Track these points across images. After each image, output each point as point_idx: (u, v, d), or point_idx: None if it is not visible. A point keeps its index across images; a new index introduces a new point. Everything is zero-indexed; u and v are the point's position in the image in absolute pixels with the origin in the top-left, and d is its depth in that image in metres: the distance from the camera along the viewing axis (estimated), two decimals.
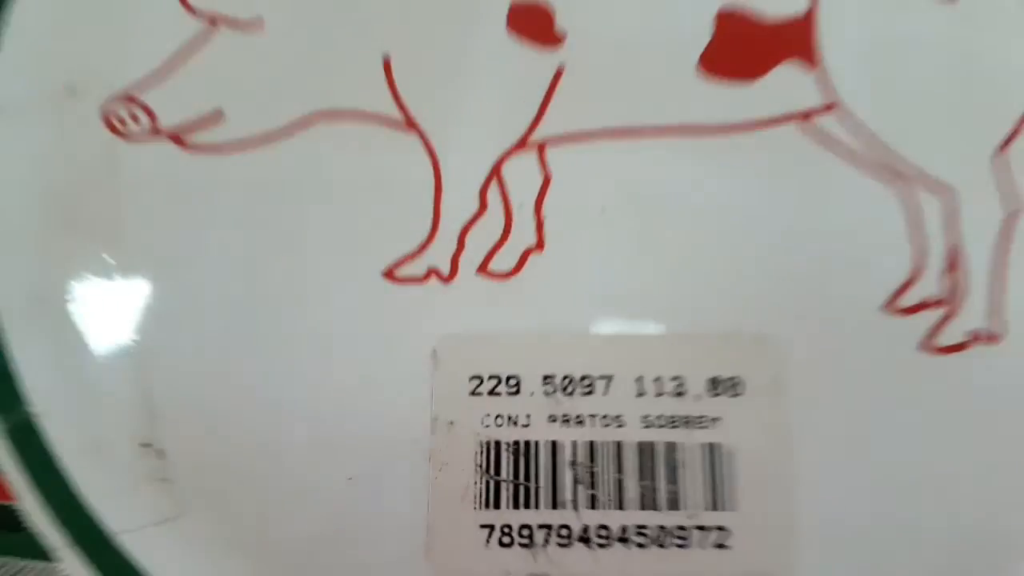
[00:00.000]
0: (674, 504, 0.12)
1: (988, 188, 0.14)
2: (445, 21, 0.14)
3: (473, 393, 0.13)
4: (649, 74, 0.14)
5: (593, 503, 0.12)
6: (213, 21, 0.14)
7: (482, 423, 0.12)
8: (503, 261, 0.13)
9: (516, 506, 0.12)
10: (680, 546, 0.12)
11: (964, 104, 0.14)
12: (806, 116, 0.14)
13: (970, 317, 0.13)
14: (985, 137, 0.14)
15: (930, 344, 0.13)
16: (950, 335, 0.13)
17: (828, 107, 0.14)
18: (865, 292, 0.13)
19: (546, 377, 0.13)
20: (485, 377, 0.13)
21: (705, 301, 0.13)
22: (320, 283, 0.13)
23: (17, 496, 0.12)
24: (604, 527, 0.12)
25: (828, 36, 0.14)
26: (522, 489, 0.12)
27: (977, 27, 0.14)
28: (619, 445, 0.12)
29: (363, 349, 0.13)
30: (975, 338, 0.13)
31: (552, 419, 0.13)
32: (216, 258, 0.13)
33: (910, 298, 0.13)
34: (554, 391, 0.13)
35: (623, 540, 0.12)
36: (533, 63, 0.13)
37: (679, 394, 0.12)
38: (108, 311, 0.13)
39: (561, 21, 0.14)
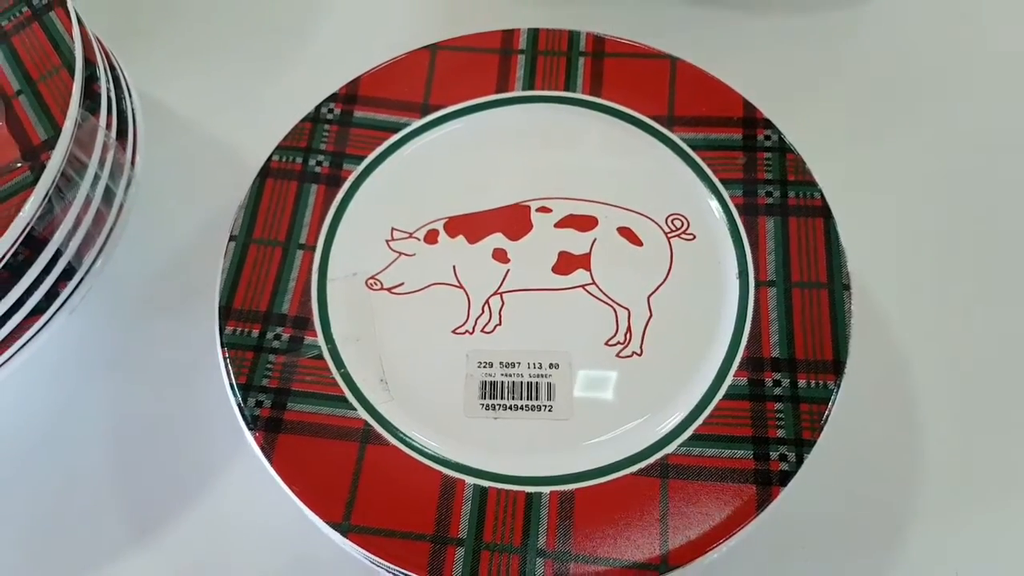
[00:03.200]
0: (537, 397, 0.40)
1: (639, 307, 0.42)
2: (474, 260, 0.43)
3: (478, 366, 0.41)
4: (534, 271, 0.43)
5: (513, 397, 0.40)
6: (399, 253, 0.44)
7: (480, 374, 0.41)
8: (488, 328, 0.42)
9: (490, 397, 0.40)
10: (538, 410, 0.40)
11: (630, 282, 0.43)
12: (584, 287, 0.43)
13: (632, 347, 0.41)
14: (643, 290, 0.43)
15: (619, 355, 0.41)
16: (626, 352, 0.41)
17: (591, 283, 0.43)
18: (602, 337, 0.42)
19: (501, 362, 0.41)
20: (482, 361, 0.41)
21: (542, 344, 0.42)
22: (432, 332, 0.42)
23: (346, 393, 0.41)
24: (516, 404, 0.40)
25: (593, 260, 0.43)
26: (490, 393, 0.40)
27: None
28: (522, 382, 0.41)
29: (446, 351, 0.41)
30: (633, 354, 0.41)
31: (502, 374, 0.41)
32: (406, 318, 0.42)
33: (613, 339, 0.41)
34: (503, 365, 0.41)
35: (523, 407, 0.40)
36: (497, 268, 0.43)
37: (539, 366, 0.41)
38: (369, 346, 0.42)
39: (509, 255, 0.43)
